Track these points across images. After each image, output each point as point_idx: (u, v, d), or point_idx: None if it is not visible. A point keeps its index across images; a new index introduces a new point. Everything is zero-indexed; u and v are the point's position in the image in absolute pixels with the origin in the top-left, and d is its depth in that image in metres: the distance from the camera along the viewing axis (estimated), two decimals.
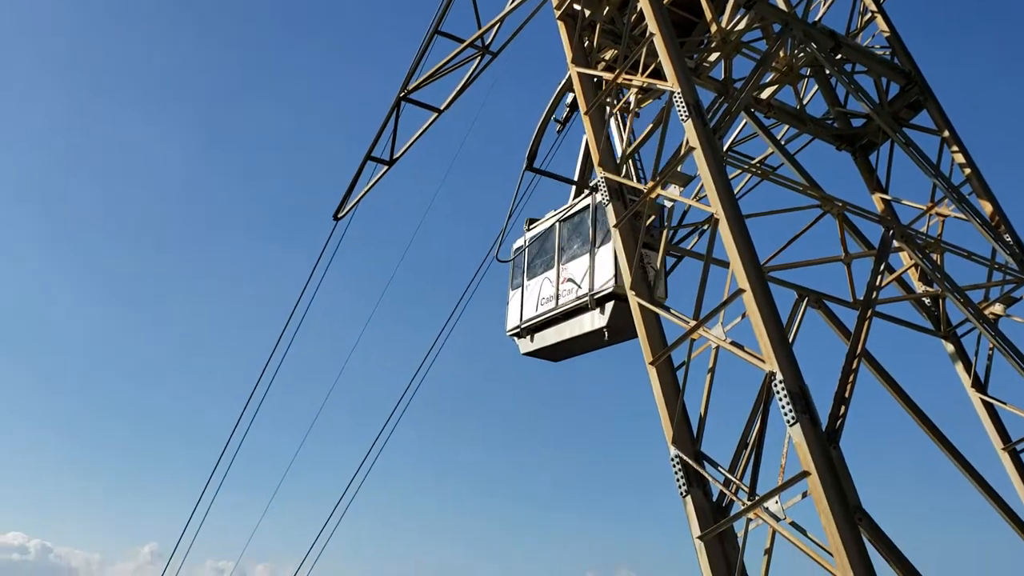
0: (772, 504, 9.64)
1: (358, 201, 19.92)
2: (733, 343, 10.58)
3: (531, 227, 15.06)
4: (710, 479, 10.61)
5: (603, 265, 12.88)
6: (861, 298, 13.18)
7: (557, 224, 14.25)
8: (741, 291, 10.29)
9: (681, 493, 10.63)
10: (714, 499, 10.68)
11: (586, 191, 14.07)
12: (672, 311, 11.44)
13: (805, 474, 9.15)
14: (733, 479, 10.48)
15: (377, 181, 19.40)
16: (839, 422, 10.98)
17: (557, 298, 13.65)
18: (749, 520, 9.96)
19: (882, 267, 13.39)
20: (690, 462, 10.61)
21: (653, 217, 12.64)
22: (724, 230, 10.75)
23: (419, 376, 16.88)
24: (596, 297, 12.88)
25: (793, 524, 9.57)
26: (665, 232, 12.24)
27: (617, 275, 12.41)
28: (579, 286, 13.25)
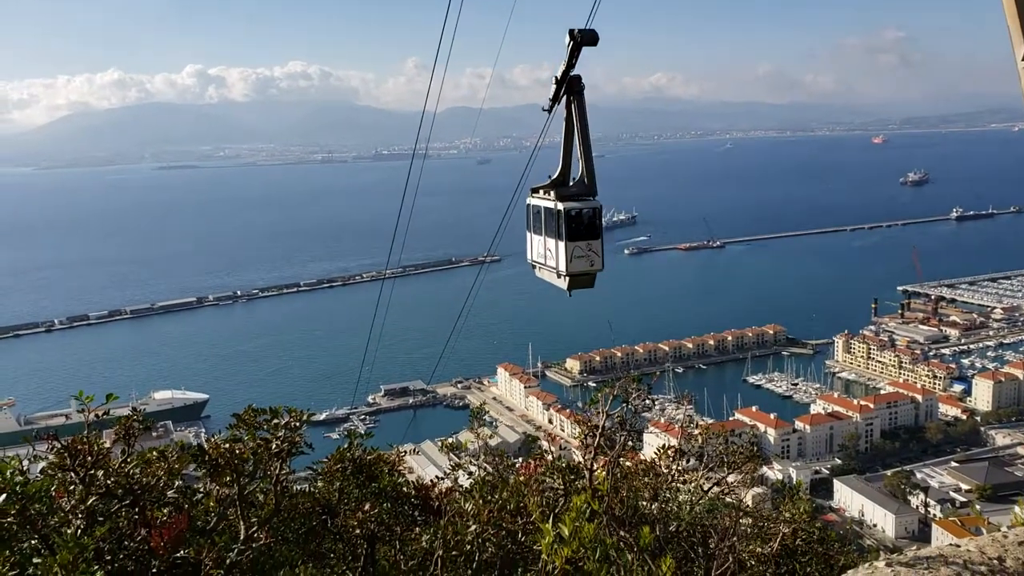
0: None
1: None
2: None
3: (533, 196, 20.69)
4: None
5: (562, 255, 19.17)
6: None
7: (544, 207, 19.95)
8: None
9: None
10: None
11: (551, 194, 19.53)
12: None
13: None
14: None
15: None
16: None
17: (545, 258, 20.27)
18: None
19: None
20: None
21: None
22: None
23: None
24: (559, 272, 19.53)
25: None
26: None
27: (568, 263, 18.95)
28: (553, 257, 19.70)
